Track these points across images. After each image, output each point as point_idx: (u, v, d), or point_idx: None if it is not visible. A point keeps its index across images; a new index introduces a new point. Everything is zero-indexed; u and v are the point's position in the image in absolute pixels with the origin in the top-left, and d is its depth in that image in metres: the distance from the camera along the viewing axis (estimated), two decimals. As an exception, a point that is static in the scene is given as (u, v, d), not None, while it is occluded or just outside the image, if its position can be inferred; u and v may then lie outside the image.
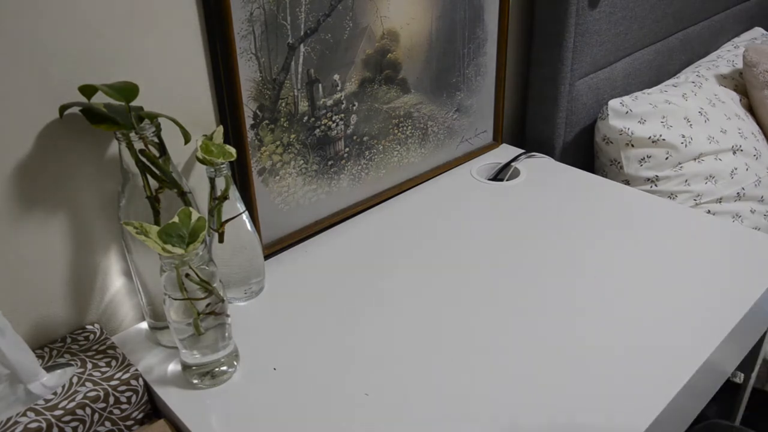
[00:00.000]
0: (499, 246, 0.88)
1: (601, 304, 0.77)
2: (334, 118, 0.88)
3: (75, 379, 0.65)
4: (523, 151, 1.13)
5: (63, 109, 0.62)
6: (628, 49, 1.27)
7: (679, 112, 1.19)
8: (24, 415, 0.61)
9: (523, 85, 1.23)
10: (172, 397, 0.67)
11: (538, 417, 0.62)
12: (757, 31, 1.67)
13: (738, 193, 1.20)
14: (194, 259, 0.61)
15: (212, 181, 0.71)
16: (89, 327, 0.73)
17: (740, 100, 1.35)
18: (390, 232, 0.93)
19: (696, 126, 1.20)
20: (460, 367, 0.69)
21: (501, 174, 1.10)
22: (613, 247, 0.87)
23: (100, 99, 0.62)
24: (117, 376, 0.66)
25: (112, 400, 0.65)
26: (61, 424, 0.61)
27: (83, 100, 0.62)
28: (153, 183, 0.65)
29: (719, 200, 1.19)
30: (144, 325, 0.77)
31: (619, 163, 1.17)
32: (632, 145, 1.15)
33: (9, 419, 0.60)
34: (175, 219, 0.60)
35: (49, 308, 0.71)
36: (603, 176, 1.13)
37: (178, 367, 0.69)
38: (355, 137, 0.92)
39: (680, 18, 1.38)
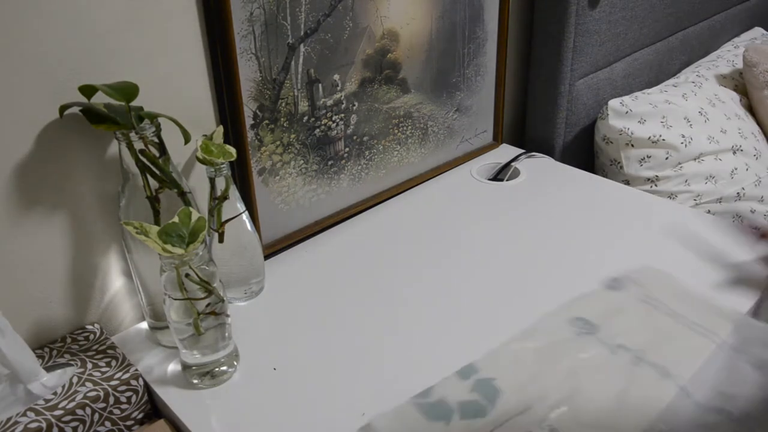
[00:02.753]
0: (499, 246, 0.88)
1: (601, 304, 0.77)
2: (334, 118, 0.88)
3: (75, 379, 0.65)
4: (523, 151, 1.13)
5: (63, 109, 0.62)
6: (628, 49, 1.27)
7: (679, 112, 1.19)
8: (24, 415, 0.61)
9: (523, 85, 1.23)
10: (172, 397, 0.67)
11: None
12: (757, 31, 1.67)
13: (738, 193, 1.20)
14: (194, 259, 0.61)
15: (212, 181, 0.71)
16: (89, 327, 0.73)
17: (740, 100, 1.35)
18: (390, 232, 0.93)
19: (696, 126, 1.20)
20: (462, 364, 0.69)
21: (501, 174, 1.10)
22: (613, 246, 0.87)
23: (100, 99, 0.62)
24: (117, 376, 0.66)
25: (112, 400, 0.65)
26: (61, 424, 0.61)
27: (83, 100, 0.62)
28: (153, 183, 0.65)
29: (719, 200, 1.19)
30: (144, 325, 0.76)
31: (619, 163, 1.17)
32: (632, 145, 1.15)
33: (9, 419, 0.60)
34: (175, 219, 0.60)
35: (49, 308, 0.71)
36: (603, 176, 1.13)
37: (178, 367, 0.69)
38: (355, 137, 0.92)
39: (680, 18, 1.38)
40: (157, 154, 0.64)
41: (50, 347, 0.70)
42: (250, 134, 0.79)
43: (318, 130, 0.86)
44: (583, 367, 0.66)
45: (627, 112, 1.14)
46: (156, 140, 0.64)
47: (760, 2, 1.69)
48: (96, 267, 0.72)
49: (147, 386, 0.68)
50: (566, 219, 0.94)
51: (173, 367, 0.70)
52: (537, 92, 1.17)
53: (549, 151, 1.18)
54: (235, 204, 0.74)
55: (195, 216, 0.61)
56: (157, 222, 0.66)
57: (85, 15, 0.63)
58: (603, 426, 0.61)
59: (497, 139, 1.15)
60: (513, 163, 1.09)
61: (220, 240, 0.72)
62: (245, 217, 0.76)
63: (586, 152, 1.25)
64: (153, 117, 0.65)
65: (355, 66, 0.87)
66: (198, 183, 0.78)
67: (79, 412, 0.62)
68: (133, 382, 0.66)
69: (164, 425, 0.65)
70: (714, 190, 1.19)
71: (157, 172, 0.64)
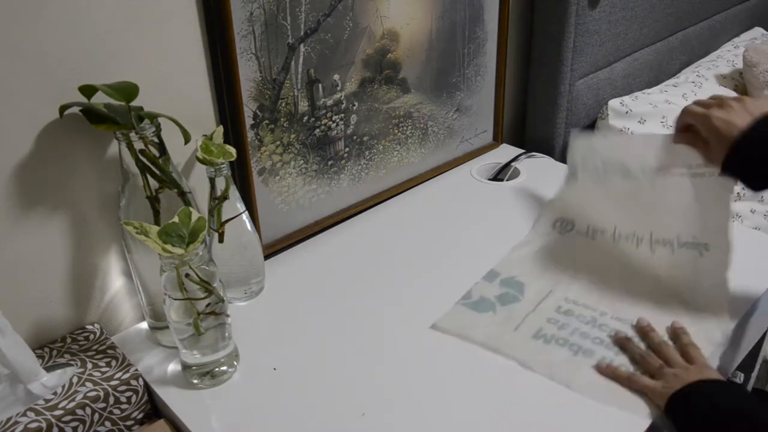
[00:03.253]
0: (499, 246, 0.88)
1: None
2: (334, 118, 0.88)
3: (75, 379, 0.65)
4: (523, 151, 1.13)
5: (63, 109, 0.62)
6: (628, 49, 1.27)
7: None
8: (24, 415, 0.61)
9: (523, 85, 1.23)
10: (172, 397, 0.67)
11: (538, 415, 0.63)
12: (757, 31, 1.67)
13: (738, 193, 1.20)
14: (194, 259, 0.61)
15: (212, 181, 0.71)
16: (89, 327, 0.73)
17: (740, 100, 1.35)
18: (390, 232, 0.93)
19: (696, 126, 1.19)
20: (464, 364, 0.69)
21: (501, 174, 1.10)
22: (613, 247, 0.87)
23: (100, 99, 0.62)
24: (117, 376, 0.66)
25: (112, 400, 0.65)
26: (61, 424, 0.61)
27: (83, 100, 0.62)
28: (153, 183, 0.65)
29: (719, 200, 1.19)
30: (144, 325, 0.77)
31: (619, 163, 1.17)
32: (632, 145, 1.15)
33: (9, 419, 0.60)
34: (175, 219, 0.60)
35: (49, 308, 0.71)
36: (603, 176, 1.12)
37: (178, 367, 0.69)
38: (355, 137, 0.92)
39: (680, 18, 1.38)
40: (157, 154, 0.64)
41: (50, 347, 0.70)
42: (250, 134, 0.79)
43: (318, 130, 0.86)
44: (577, 256, 0.83)
45: (627, 112, 1.14)
46: (156, 140, 0.64)
47: (760, 2, 1.69)
48: (96, 267, 0.72)
49: (147, 386, 0.68)
50: (566, 219, 0.94)
51: (173, 367, 0.70)
52: (537, 92, 1.17)
53: (549, 151, 1.18)
54: (235, 204, 0.74)
55: (195, 216, 0.61)
56: (157, 222, 0.66)
57: (85, 15, 0.63)
58: (607, 291, 0.77)
59: (497, 139, 1.15)
60: (513, 163, 1.09)
61: (220, 240, 0.72)
62: (245, 217, 0.76)
63: (586, 152, 1.25)
64: (153, 117, 0.65)
65: (355, 66, 0.87)
66: (198, 183, 0.78)
67: (79, 412, 0.63)
68: (133, 382, 0.66)
69: (164, 425, 0.65)
70: (714, 190, 1.18)
71: (157, 172, 0.64)
